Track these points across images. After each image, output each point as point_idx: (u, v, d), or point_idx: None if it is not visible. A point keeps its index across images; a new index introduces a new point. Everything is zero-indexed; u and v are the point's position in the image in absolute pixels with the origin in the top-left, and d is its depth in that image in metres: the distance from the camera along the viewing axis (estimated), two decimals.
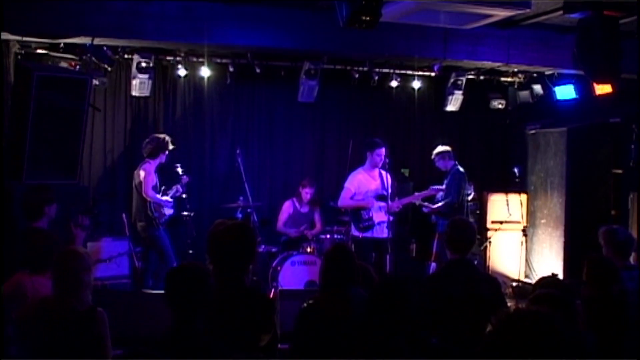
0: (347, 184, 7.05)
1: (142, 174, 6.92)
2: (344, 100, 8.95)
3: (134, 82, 7.51)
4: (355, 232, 7.01)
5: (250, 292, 3.39)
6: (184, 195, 7.23)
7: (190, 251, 7.16)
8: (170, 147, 7.13)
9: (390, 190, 6.89)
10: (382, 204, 6.79)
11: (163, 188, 7.17)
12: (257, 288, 6.82)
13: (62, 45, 6.86)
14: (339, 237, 7.70)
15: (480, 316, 3.66)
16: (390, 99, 8.96)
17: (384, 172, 7.01)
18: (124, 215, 7.34)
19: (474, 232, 4.07)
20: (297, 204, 8.10)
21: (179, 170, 7.19)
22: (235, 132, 8.50)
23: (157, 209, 6.98)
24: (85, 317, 3.30)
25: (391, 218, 6.88)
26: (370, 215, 6.90)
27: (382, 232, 6.86)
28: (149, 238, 6.97)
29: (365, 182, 6.97)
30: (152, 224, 6.94)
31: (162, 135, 7.15)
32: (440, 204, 7.48)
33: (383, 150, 6.89)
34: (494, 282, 3.99)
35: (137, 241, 7.32)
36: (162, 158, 7.04)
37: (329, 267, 3.54)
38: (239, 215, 7.49)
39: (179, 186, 7.18)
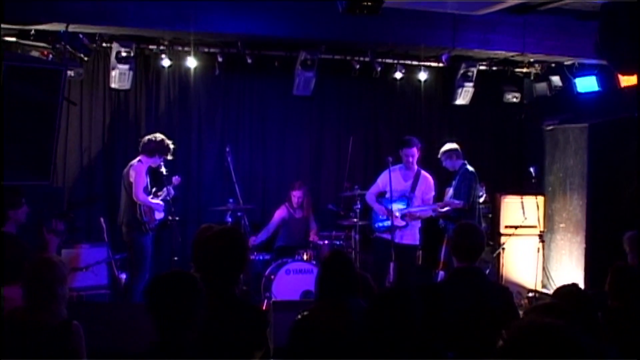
0: (378, 179, 7.34)
1: (132, 174, 6.92)
2: (344, 94, 8.96)
3: (113, 73, 7.51)
4: (375, 224, 7.27)
5: (240, 304, 3.38)
6: (168, 198, 7.23)
7: (176, 258, 7.16)
8: (170, 157, 7.16)
9: (424, 194, 7.05)
10: (402, 206, 6.87)
11: (154, 190, 7.18)
12: (248, 299, 6.85)
13: (33, 32, 6.86)
14: (338, 243, 7.72)
15: (489, 329, 3.68)
16: (394, 92, 8.97)
17: (424, 175, 7.16)
18: (102, 219, 7.34)
19: (482, 237, 4.06)
20: (290, 210, 8.13)
21: (163, 170, 7.18)
22: (225, 128, 8.51)
23: (148, 213, 6.98)
24: (59, 331, 3.29)
25: (409, 223, 7.00)
26: (386, 217, 6.98)
27: (404, 238, 6.98)
28: (131, 242, 6.96)
29: (395, 181, 7.09)
30: (140, 229, 6.94)
31: (169, 141, 7.19)
32: (448, 207, 7.49)
33: (410, 150, 7.07)
34: (505, 292, 4.00)
35: (118, 248, 7.32)
36: (156, 161, 7.05)
37: (325, 275, 3.55)
38: (229, 219, 7.49)
39: (170, 188, 7.19)
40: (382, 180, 7.26)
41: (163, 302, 2.81)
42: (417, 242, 7.08)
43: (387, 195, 7.13)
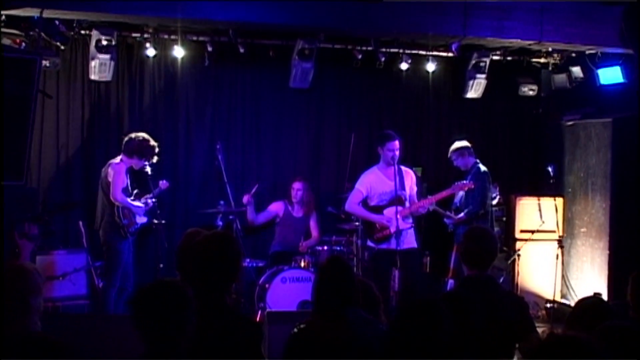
0: (357, 185, 7.07)
1: (111, 173, 6.93)
2: (345, 86, 8.95)
3: (93, 63, 7.51)
4: (369, 243, 7.04)
5: (233, 316, 3.38)
6: (151, 205, 7.22)
7: (161, 265, 7.16)
8: (154, 159, 7.16)
9: (411, 190, 6.95)
10: (400, 208, 6.76)
11: (136, 192, 7.17)
12: (241, 310, 6.84)
13: (3, 18, 6.84)
14: (338, 248, 7.71)
15: (503, 343, 3.67)
16: (399, 84, 8.97)
17: (404, 169, 7.00)
18: (80, 223, 7.35)
19: (495, 242, 4.06)
20: (289, 207, 8.12)
21: (148, 170, 7.18)
22: (215, 123, 8.51)
23: (127, 215, 6.99)
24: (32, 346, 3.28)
25: (410, 224, 6.91)
26: (386, 222, 6.88)
27: (405, 242, 6.84)
28: (107, 247, 6.96)
29: (379, 183, 6.95)
30: (118, 233, 6.95)
31: (154, 143, 7.19)
32: (462, 214, 7.48)
33: (396, 144, 6.88)
34: (520, 303, 4.00)
35: (98, 254, 7.32)
36: (136, 162, 7.07)
37: (323, 284, 3.55)
38: (219, 223, 7.49)
39: (155, 192, 7.18)
40: (363, 185, 7.01)
41: (150, 314, 2.80)
42: (417, 245, 7.02)
43: (374, 201, 7.01)
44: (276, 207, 8.17)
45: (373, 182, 6.98)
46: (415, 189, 7.07)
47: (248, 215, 8.03)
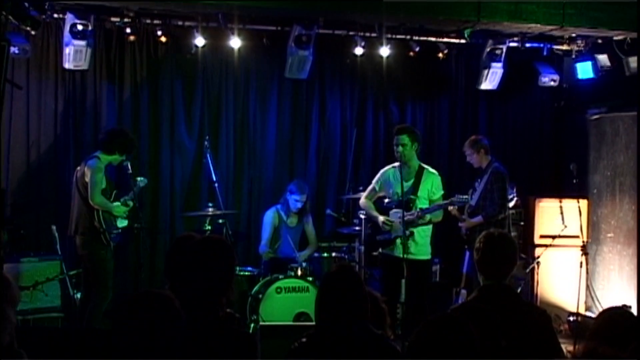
0: (374, 180, 7.27)
1: (88, 172, 6.91)
2: (346, 76, 8.97)
3: (67, 50, 7.49)
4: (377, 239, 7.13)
5: (225, 329, 3.39)
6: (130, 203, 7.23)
7: (143, 274, 7.16)
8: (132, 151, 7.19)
9: (431, 195, 6.96)
10: (406, 214, 6.75)
11: (115, 192, 7.18)
12: (235, 323, 6.84)
13: None
14: (338, 255, 7.72)
15: None
16: (406, 74, 8.98)
17: (426, 170, 7.01)
18: (54, 227, 7.34)
19: (514, 249, 4.06)
20: (282, 214, 8.11)
21: (129, 166, 7.16)
22: (204, 117, 8.50)
23: (108, 219, 6.98)
24: None
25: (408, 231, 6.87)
26: (385, 226, 6.89)
27: (414, 251, 6.84)
28: (89, 256, 6.95)
29: (394, 181, 6.97)
30: (99, 240, 6.93)
31: (130, 134, 7.20)
32: (479, 217, 7.48)
33: (396, 139, 6.91)
34: (542, 316, 3.99)
35: (73, 261, 7.32)
36: (117, 158, 7.04)
37: (328, 295, 3.54)
38: (208, 228, 7.48)
39: (135, 191, 7.18)
40: (377, 179, 7.14)
41: (133, 329, 2.79)
42: (430, 256, 7.03)
43: (387, 201, 7.03)
44: (270, 219, 8.11)
45: (388, 180, 7.00)
46: (437, 193, 7.04)
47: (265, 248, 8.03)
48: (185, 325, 2.86)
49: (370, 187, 7.25)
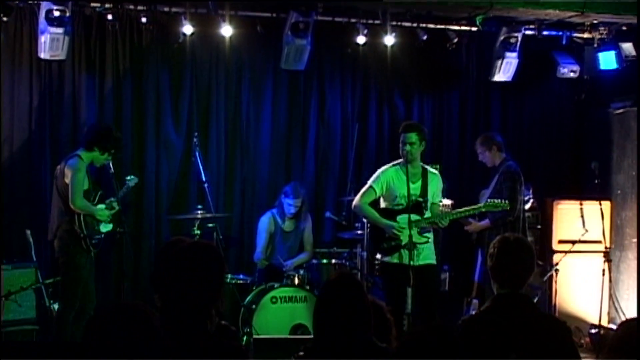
0: (371, 182, 7.04)
1: (68, 173, 6.89)
2: (347, 67, 8.96)
3: (43, 38, 7.48)
4: (378, 255, 7.02)
5: (215, 342, 3.38)
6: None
7: (126, 283, 7.15)
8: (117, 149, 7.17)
9: (434, 198, 6.92)
10: (417, 217, 6.73)
11: (99, 194, 7.17)
12: (228, 336, 6.83)
13: None
14: (339, 261, 7.71)
15: None
16: (412, 65, 8.98)
17: (431, 171, 6.99)
18: (28, 232, 7.32)
19: (531, 255, 4.04)
20: (278, 219, 8.10)
21: (110, 165, 7.15)
22: (192, 111, 8.48)
23: (90, 223, 6.96)
24: None
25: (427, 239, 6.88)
26: (397, 232, 6.85)
27: (421, 257, 6.79)
28: (66, 261, 6.95)
29: (399, 182, 6.91)
30: (79, 245, 6.92)
31: (119, 134, 7.20)
32: (486, 220, 7.48)
33: (403, 136, 6.87)
34: (561, 328, 3.98)
35: (50, 269, 7.30)
36: (99, 157, 7.03)
37: (326, 305, 3.54)
38: (197, 232, 7.48)
39: (123, 190, 7.19)
40: (378, 182, 6.99)
41: (103, 345, 2.77)
42: (435, 261, 7.01)
43: (389, 203, 6.97)
44: (266, 225, 8.10)
45: (392, 181, 6.94)
46: (439, 197, 7.01)
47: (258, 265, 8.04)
48: (165, 340, 2.86)
49: (366, 188, 7.03)
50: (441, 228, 6.98)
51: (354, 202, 7.15)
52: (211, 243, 4.66)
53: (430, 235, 6.89)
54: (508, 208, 7.01)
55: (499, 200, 6.94)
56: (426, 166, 6.98)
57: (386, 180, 6.94)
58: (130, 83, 8.30)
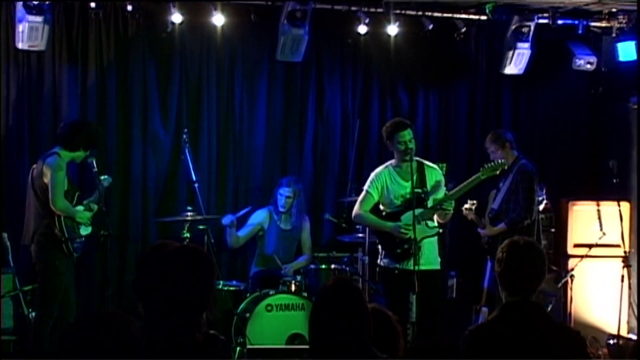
0: (367, 187, 7.08)
1: (47, 171, 6.87)
2: (348, 59, 8.95)
3: (21, 27, 7.48)
4: (385, 262, 7.03)
5: (204, 352, 3.38)
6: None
7: (110, 290, 7.15)
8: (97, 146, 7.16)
9: (436, 192, 6.91)
10: (420, 209, 6.73)
11: (78, 194, 7.15)
12: (216, 345, 6.83)
13: None
14: (338, 267, 7.71)
15: None
16: (417, 56, 8.98)
17: (428, 165, 7.01)
18: (5, 235, 7.32)
19: (543, 260, 4.02)
20: (275, 216, 8.11)
21: (93, 163, 7.14)
22: (181, 106, 8.48)
23: (70, 226, 6.95)
24: None
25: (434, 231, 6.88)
26: (404, 232, 6.84)
27: (424, 260, 6.80)
28: (44, 267, 6.93)
29: (394, 184, 6.94)
30: (59, 250, 6.89)
31: (94, 126, 7.17)
32: (502, 223, 7.46)
33: (407, 134, 6.87)
34: (577, 339, 3.97)
35: (27, 275, 7.29)
36: (80, 154, 7.02)
37: (323, 313, 3.55)
38: (186, 235, 7.47)
39: (100, 190, 7.16)
40: (374, 186, 7.01)
41: (82, 355, 2.77)
42: (439, 265, 7.01)
43: (389, 207, 6.99)
44: (259, 217, 8.13)
45: (387, 183, 6.96)
46: (440, 192, 7.03)
47: (228, 241, 8.03)
48: (146, 351, 2.85)
49: (363, 195, 7.06)
50: (448, 219, 7.00)
51: (354, 212, 7.16)
52: (198, 247, 4.68)
53: (435, 229, 6.90)
54: (506, 167, 7.10)
55: (497, 162, 7.04)
56: (421, 160, 7.00)
57: (381, 183, 6.97)
58: (115, 76, 8.29)
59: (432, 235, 6.85)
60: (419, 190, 6.82)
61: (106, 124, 8.07)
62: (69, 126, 7.07)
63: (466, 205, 7.50)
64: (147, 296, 3.52)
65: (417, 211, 6.65)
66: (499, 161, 7.06)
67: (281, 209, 8.03)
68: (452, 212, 6.91)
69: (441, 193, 6.96)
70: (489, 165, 7.01)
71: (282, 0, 7.98)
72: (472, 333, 3.64)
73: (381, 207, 7.01)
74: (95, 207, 7.08)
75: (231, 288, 7.70)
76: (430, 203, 6.86)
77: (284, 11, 7.99)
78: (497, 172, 7.08)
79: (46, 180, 6.85)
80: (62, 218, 6.89)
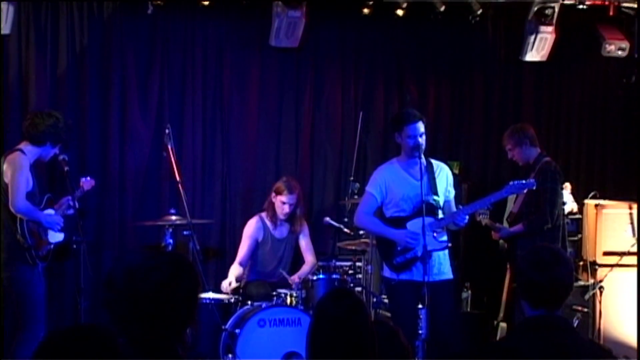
0: (368, 187, 7.03)
1: (9, 171, 6.86)
2: (349, 44, 8.99)
3: None
4: (386, 273, 7.02)
5: None
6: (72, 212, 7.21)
7: (84, 303, 7.15)
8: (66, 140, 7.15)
9: (447, 194, 6.91)
10: (430, 219, 6.75)
11: (48, 197, 7.14)
12: None
13: None
14: (338, 277, 7.70)
15: None
16: (426, 41, 9.05)
17: (437, 165, 7.00)
18: None
19: (570, 270, 4.03)
20: (269, 224, 8.10)
21: (65, 161, 7.13)
22: (163, 97, 8.52)
23: (35, 231, 6.94)
24: None
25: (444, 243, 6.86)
26: (410, 240, 6.84)
27: (436, 271, 6.78)
28: (10, 280, 6.93)
29: (400, 183, 6.89)
30: (23, 258, 6.88)
31: (62, 118, 7.17)
32: (520, 225, 7.47)
33: (418, 127, 6.85)
34: (606, 356, 3.98)
35: None
36: (48, 151, 7.02)
37: (321, 327, 3.56)
38: (169, 241, 7.48)
39: (77, 193, 7.16)
40: (377, 186, 6.94)
41: None
42: (452, 275, 7.00)
43: (394, 209, 6.95)
44: (253, 230, 8.09)
45: (391, 182, 6.94)
46: (452, 192, 7.05)
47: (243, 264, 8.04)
48: None
49: (366, 199, 7.02)
50: (461, 229, 6.98)
51: (355, 217, 7.14)
52: (182, 255, 4.67)
53: (445, 242, 6.89)
54: (534, 188, 6.97)
55: (526, 181, 6.92)
56: (430, 159, 6.97)
57: (384, 182, 6.93)
58: (90, 63, 8.31)
59: (441, 249, 6.80)
60: (432, 202, 6.78)
61: (79, 117, 8.06)
62: (33, 118, 7.05)
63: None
64: (123, 318, 3.50)
65: (428, 220, 6.64)
66: (529, 181, 6.95)
67: (282, 217, 8.00)
68: (465, 224, 6.90)
69: (452, 194, 6.96)
70: (515, 183, 6.92)
71: None
72: (487, 351, 3.63)
73: (384, 209, 6.99)
74: (71, 212, 7.07)
75: (219, 301, 7.69)
76: (440, 201, 6.83)
77: None
78: (524, 190, 7.02)
79: (6, 179, 6.84)
80: (26, 223, 6.87)
